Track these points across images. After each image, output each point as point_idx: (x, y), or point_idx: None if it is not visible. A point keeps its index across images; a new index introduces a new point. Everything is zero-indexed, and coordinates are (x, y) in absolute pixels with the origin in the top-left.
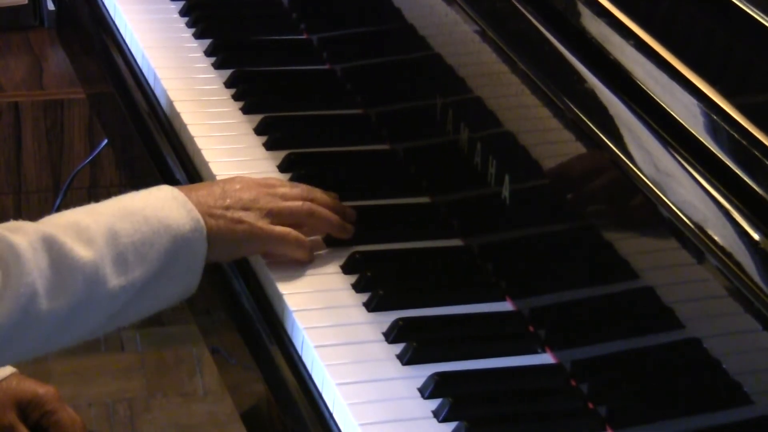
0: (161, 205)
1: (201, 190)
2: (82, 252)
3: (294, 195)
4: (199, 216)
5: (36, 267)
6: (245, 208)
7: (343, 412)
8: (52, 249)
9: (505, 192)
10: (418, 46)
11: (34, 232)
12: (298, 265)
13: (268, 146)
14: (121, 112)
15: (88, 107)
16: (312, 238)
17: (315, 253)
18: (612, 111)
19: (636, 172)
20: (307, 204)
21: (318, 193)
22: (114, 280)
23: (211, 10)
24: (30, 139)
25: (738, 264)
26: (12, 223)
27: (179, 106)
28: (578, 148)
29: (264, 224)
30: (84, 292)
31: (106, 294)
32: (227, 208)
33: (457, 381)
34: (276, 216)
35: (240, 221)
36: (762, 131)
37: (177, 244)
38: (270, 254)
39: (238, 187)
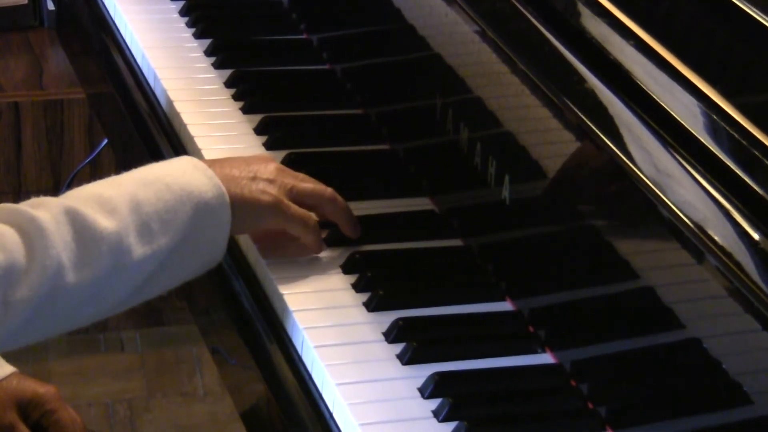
0: (182, 173)
1: (224, 162)
2: (106, 223)
3: (313, 180)
4: (220, 183)
5: (60, 240)
6: (269, 181)
7: (343, 412)
8: (76, 221)
9: (505, 192)
10: (418, 46)
11: (57, 206)
12: (298, 263)
13: (268, 146)
14: (121, 112)
15: (88, 107)
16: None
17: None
18: (612, 111)
19: (636, 172)
20: (331, 189)
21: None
22: (139, 250)
23: (211, 10)
24: (30, 139)
25: (738, 264)
26: (34, 200)
27: (179, 106)
28: (578, 149)
29: (286, 200)
30: (109, 263)
31: (132, 264)
32: (252, 178)
33: (457, 381)
34: (298, 194)
35: (265, 192)
36: (762, 131)
37: (200, 212)
38: (279, 243)
39: (261, 161)
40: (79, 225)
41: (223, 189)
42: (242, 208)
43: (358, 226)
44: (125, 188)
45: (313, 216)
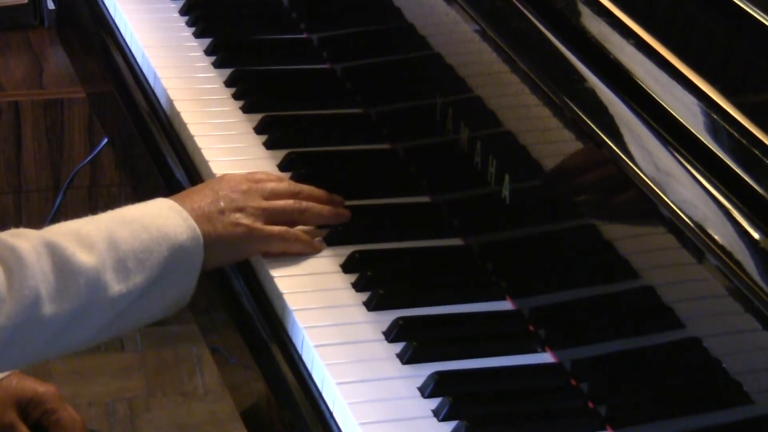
0: (158, 214)
1: (194, 196)
2: (84, 257)
3: (283, 191)
4: (195, 225)
5: (40, 271)
6: (239, 209)
7: (343, 411)
8: (55, 254)
9: (505, 191)
10: (418, 45)
11: (37, 238)
12: (298, 262)
13: (268, 145)
14: (121, 111)
15: (88, 106)
16: (310, 231)
17: (315, 254)
18: (612, 110)
19: (636, 172)
20: (298, 202)
21: (304, 187)
22: (115, 286)
23: (211, 9)
24: (30, 139)
25: (738, 263)
26: (13, 230)
27: (179, 106)
28: (578, 148)
29: (261, 224)
30: (86, 297)
31: (107, 300)
32: (222, 211)
33: (457, 380)
34: (270, 216)
35: (237, 224)
36: (762, 131)
37: (175, 253)
38: (270, 254)
39: (228, 187)
40: (58, 258)
41: (198, 231)
42: (217, 245)
43: (341, 211)
44: (103, 226)
45: (289, 230)
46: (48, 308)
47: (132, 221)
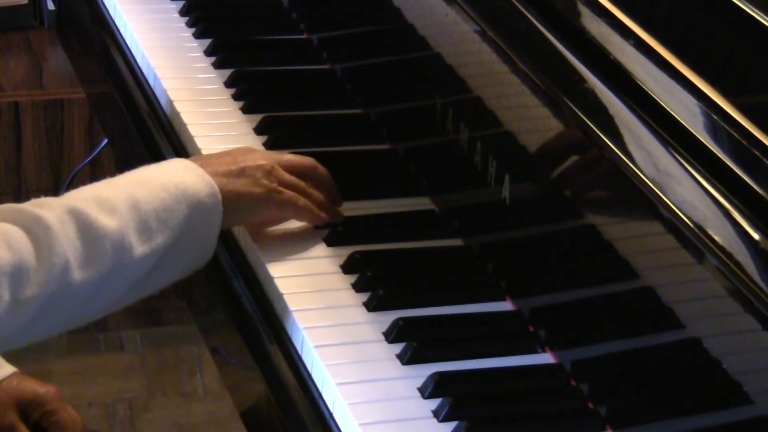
0: (175, 173)
1: (210, 159)
2: (107, 221)
3: (298, 162)
4: (213, 182)
5: (66, 238)
6: (257, 171)
7: (343, 412)
8: (79, 220)
9: (505, 192)
10: (418, 45)
11: (59, 206)
12: (299, 262)
13: (268, 146)
14: (121, 111)
15: (88, 107)
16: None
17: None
18: (612, 111)
19: (636, 172)
20: (311, 158)
21: (319, 165)
22: (139, 248)
23: (211, 9)
24: (30, 139)
25: (738, 264)
26: (35, 200)
27: (179, 106)
28: (578, 148)
29: (277, 187)
30: (112, 261)
31: (133, 261)
32: (240, 170)
33: (457, 381)
34: (285, 165)
35: (255, 184)
36: (762, 131)
37: (195, 209)
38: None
39: (244, 153)
40: (82, 224)
41: (216, 188)
42: (235, 203)
43: (339, 197)
44: (122, 188)
45: (301, 197)
46: (77, 275)
47: (149, 181)
